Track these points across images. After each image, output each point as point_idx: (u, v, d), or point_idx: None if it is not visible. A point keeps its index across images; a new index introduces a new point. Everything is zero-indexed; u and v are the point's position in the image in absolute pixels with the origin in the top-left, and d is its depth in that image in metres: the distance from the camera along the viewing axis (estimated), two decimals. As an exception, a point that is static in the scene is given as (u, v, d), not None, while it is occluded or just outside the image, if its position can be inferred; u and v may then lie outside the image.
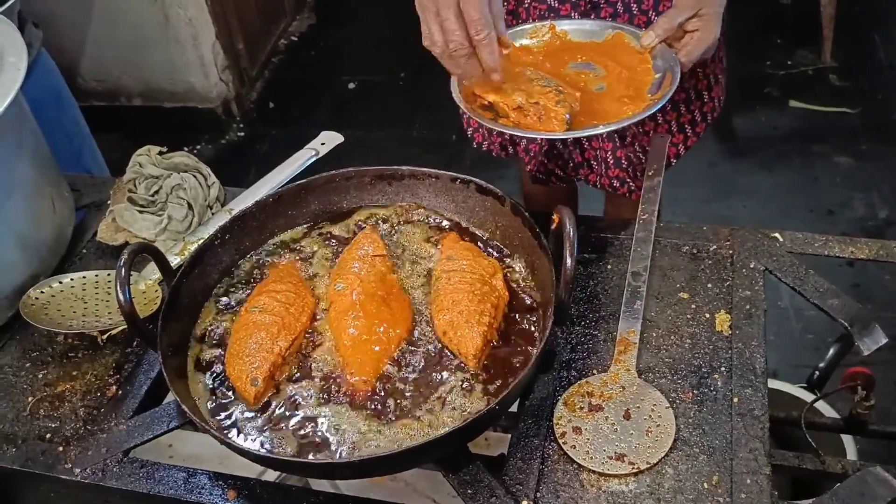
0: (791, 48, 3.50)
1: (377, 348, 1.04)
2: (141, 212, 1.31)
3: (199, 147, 3.40)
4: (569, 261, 0.95)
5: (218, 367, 1.06)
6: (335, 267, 1.16)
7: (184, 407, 0.95)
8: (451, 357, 1.03)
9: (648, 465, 0.95)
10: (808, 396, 1.82)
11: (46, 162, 1.30)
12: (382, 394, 1.00)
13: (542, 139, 1.58)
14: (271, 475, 1.39)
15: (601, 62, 1.27)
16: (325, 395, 1.01)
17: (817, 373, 1.87)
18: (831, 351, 1.90)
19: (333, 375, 1.03)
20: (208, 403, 1.02)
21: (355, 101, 3.59)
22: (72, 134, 2.13)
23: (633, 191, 1.60)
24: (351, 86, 3.64)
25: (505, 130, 1.17)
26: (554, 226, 1.06)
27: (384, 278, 1.12)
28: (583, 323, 1.13)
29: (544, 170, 1.69)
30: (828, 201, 2.85)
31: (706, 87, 1.56)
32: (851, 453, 1.74)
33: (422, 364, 1.04)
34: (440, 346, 1.05)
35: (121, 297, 0.98)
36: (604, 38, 1.30)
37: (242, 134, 3.49)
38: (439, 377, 1.02)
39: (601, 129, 1.17)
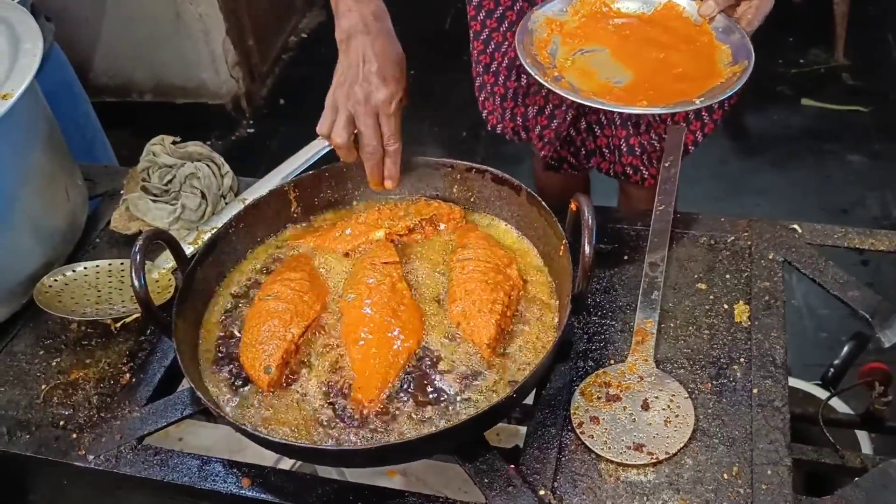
0: (803, 47, 3.48)
1: (385, 362, 1.01)
2: (155, 201, 1.30)
3: (209, 143, 3.35)
4: (587, 248, 0.94)
5: (232, 355, 1.05)
6: (348, 277, 1.14)
7: (199, 394, 0.95)
8: (464, 354, 1.02)
9: (667, 456, 0.94)
10: (822, 393, 1.81)
11: (60, 150, 1.30)
12: (388, 413, 0.97)
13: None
14: (285, 464, 1.38)
15: (654, 35, 1.20)
16: (337, 384, 1.00)
17: (832, 370, 1.86)
18: (846, 348, 1.89)
19: (345, 368, 1.02)
20: (222, 391, 1.02)
21: (365, 99, 3.57)
22: (83, 127, 2.13)
23: (645, 178, 1.58)
24: (361, 82, 3.63)
25: (563, 94, 1.09)
26: (571, 213, 1.05)
27: (394, 287, 1.09)
28: (599, 313, 1.11)
29: (557, 157, 1.68)
30: (841, 200, 2.83)
31: None
32: (866, 449, 1.72)
33: (433, 369, 1.01)
34: (452, 342, 1.03)
35: (136, 283, 0.98)
36: (653, 10, 1.23)
37: (252, 130, 3.48)
38: (451, 378, 1.00)
39: (694, 105, 1.07)
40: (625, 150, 1.54)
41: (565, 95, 1.10)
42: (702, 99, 1.07)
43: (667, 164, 1.31)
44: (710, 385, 1.01)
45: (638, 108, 1.12)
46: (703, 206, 2.82)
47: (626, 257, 1.19)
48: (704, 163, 2.94)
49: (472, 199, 1.24)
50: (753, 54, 1.11)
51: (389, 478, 1.50)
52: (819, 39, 3.45)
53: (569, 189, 1.95)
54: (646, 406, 0.99)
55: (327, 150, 1.44)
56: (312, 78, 3.68)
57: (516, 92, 1.60)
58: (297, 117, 3.52)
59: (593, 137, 1.60)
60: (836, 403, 1.81)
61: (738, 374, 1.02)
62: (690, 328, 1.08)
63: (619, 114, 1.48)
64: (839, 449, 1.23)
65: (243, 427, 0.92)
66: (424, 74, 3.78)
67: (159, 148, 1.35)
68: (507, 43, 1.53)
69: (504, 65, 1.57)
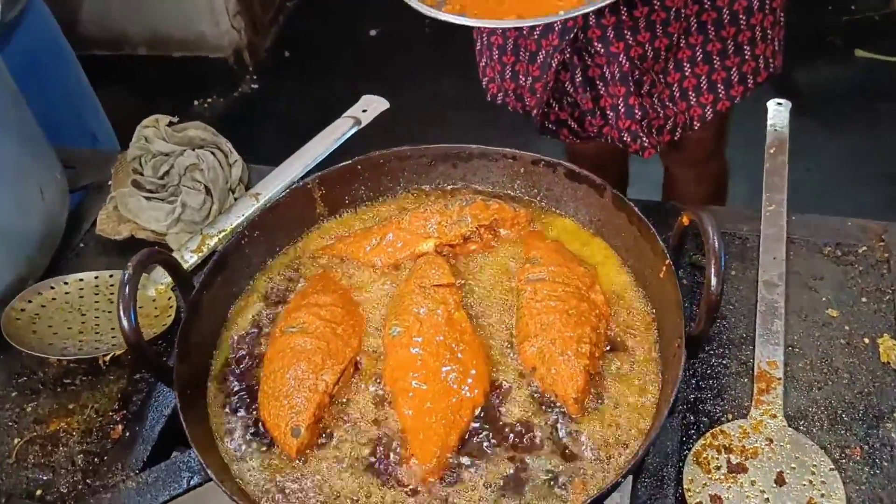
0: (855, -8, 3.21)
1: (445, 420, 0.80)
2: (148, 198, 1.07)
3: (209, 100, 3.13)
4: (714, 281, 0.73)
5: (249, 405, 0.84)
6: (391, 301, 0.92)
7: (210, 473, 0.73)
8: (544, 407, 0.80)
9: (816, 552, 0.73)
10: None
11: (32, 137, 1.06)
12: (451, 484, 0.77)
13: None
14: None
15: None
16: (384, 446, 0.79)
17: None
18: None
19: (393, 423, 0.81)
20: (235, 454, 0.81)
21: (377, 52, 3.31)
22: (71, 91, 1.89)
23: (645, 148, 1.32)
24: (372, 33, 3.36)
25: (448, 19, 1.02)
26: (678, 227, 0.82)
27: (451, 318, 0.87)
28: (707, 349, 0.89)
29: (554, 119, 1.43)
30: (900, 164, 2.59)
31: (748, 41, 1.30)
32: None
33: (504, 427, 0.80)
34: (529, 392, 0.82)
35: (125, 323, 0.76)
36: None
37: (256, 86, 3.22)
38: (528, 439, 0.79)
39: (557, 17, 0.97)
40: (622, 110, 1.29)
41: (444, 19, 1.02)
42: (565, 11, 0.98)
43: (772, 151, 1.09)
44: (859, 450, 0.79)
45: (493, 22, 1.01)
46: (747, 173, 2.59)
47: (732, 272, 0.97)
48: (749, 123, 2.69)
49: (538, 198, 1.01)
50: None
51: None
52: (872, -17, 3.18)
53: (605, 165, 1.71)
54: (780, 480, 0.77)
55: (353, 132, 1.21)
56: (319, 28, 3.45)
57: (517, 44, 1.35)
58: (303, 71, 3.27)
59: (595, 97, 1.34)
60: None
61: (894, 434, 0.80)
62: (825, 370, 0.86)
63: (619, 68, 1.25)
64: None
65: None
66: (441, 27, 3.52)
67: (152, 132, 1.11)
68: None
69: None
